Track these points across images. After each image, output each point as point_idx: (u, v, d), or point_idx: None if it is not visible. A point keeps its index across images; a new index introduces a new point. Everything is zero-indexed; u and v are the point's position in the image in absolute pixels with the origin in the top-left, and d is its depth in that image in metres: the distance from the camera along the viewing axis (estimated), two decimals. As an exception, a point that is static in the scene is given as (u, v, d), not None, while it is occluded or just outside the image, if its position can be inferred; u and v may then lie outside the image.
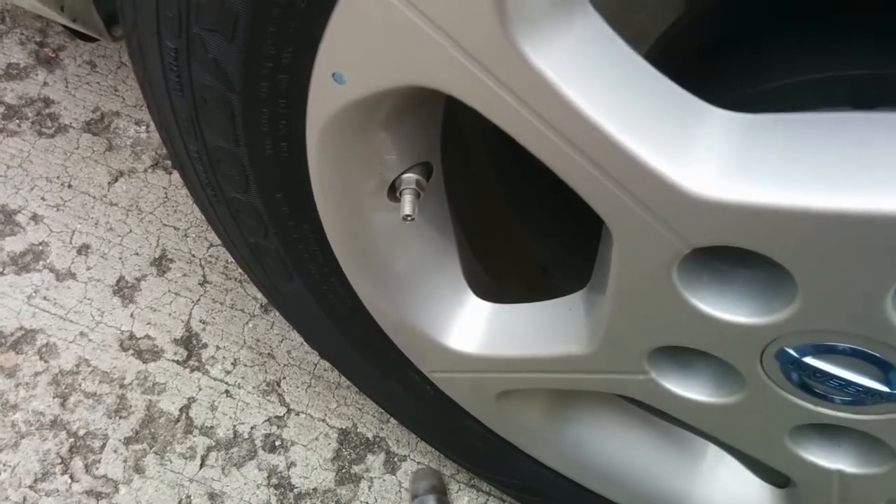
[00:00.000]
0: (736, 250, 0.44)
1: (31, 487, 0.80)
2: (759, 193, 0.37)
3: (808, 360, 0.44)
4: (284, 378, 0.91)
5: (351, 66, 0.42)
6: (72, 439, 0.84)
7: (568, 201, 0.70)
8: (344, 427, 0.89)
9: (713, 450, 0.68)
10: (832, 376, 0.45)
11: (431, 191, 0.56)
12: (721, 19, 0.49)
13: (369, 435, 0.89)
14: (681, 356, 0.53)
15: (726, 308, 0.45)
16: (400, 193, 0.53)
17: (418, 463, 0.88)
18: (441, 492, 0.47)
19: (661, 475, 0.69)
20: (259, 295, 0.96)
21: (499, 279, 0.69)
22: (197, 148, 0.55)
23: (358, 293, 0.62)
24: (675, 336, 0.48)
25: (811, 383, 0.46)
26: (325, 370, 0.92)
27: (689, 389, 0.53)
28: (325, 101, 0.45)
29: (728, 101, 0.39)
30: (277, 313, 0.95)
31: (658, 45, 0.49)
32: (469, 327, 0.62)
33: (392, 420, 0.90)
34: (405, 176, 0.53)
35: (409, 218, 0.50)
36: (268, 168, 0.53)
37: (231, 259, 0.97)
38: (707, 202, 0.38)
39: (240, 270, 0.97)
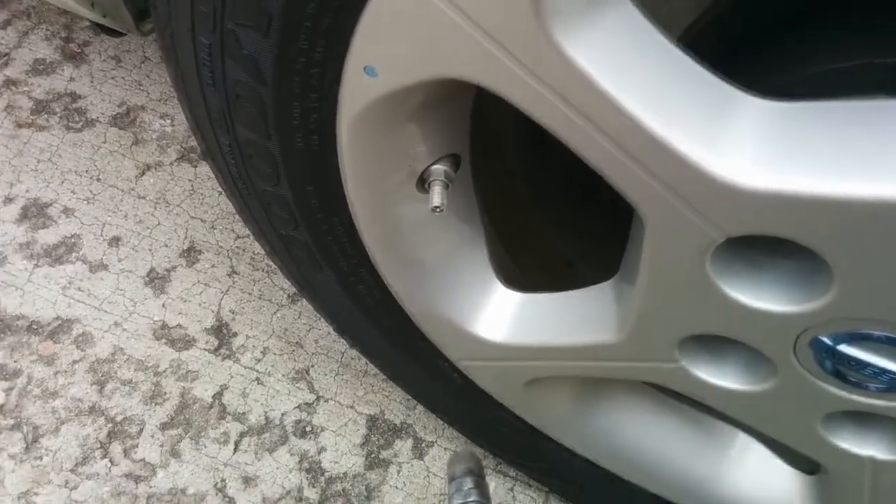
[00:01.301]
0: (770, 239, 0.44)
1: (72, 471, 0.82)
2: (795, 182, 0.37)
3: (843, 348, 0.44)
4: (313, 366, 0.92)
5: (383, 59, 0.42)
6: (110, 425, 0.86)
7: (593, 194, 0.70)
8: (372, 413, 0.90)
9: (741, 437, 0.68)
10: (867, 364, 0.44)
11: (460, 182, 0.56)
12: (756, 5, 0.48)
13: (397, 421, 0.90)
14: (711, 344, 0.53)
15: (760, 297, 0.45)
16: (429, 185, 0.53)
17: (445, 448, 0.90)
18: (479, 475, 0.47)
19: (688, 461, 0.69)
20: (286, 285, 0.97)
21: (525, 269, 0.69)
22: (229, 142, 0.56)
23: (387, 283, 0.63)
24: (707, 325, 0.48)
25: (845, 371, 0.46)
26: (352, 358, 0.94)
27: (720, 377, 0.53)
28: (356, 94, 0.46)
29: (765, 89, 0.39)
30: (305, 303, 0.96)
31: (692, 31, 0.48)
32: (497, 316, 0.62)
33: (419, 407, 0.91)
34: (434, 167, 0.53)
35: (437, 209, 0.51)
36: (299, 161, 0.53)
37: (258, 250, 0.99)
38: (742, 191, 0.38)
39: (267, 261, 0.98)
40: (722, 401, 0.55)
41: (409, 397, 0.90)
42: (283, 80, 0.47)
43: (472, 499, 0.45)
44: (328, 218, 0.58)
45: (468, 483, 0.46)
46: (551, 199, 0.68)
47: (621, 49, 0.38)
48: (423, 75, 0.42)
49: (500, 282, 0.62)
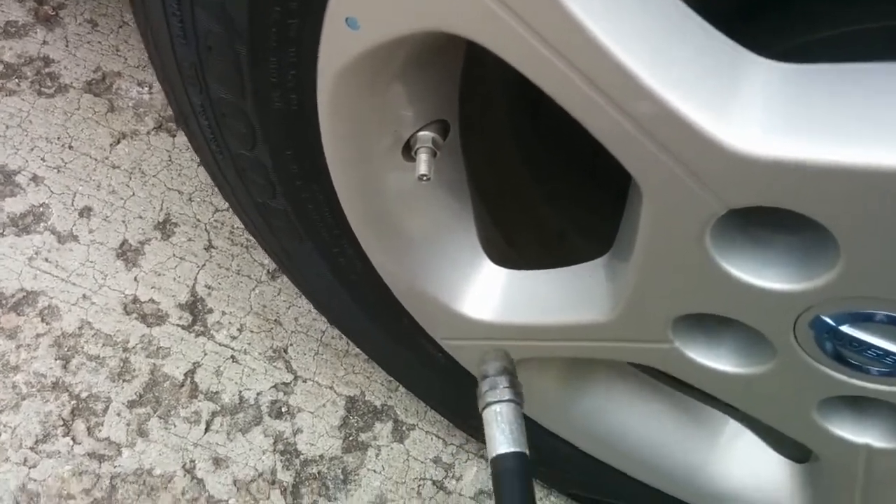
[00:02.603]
0: (773, 212, 0.42)
1: (32, 449, 0.79)
2: (805, 149, 0.35)
3: (846, 328, 0.42)
4: (291, 345, 0.89)
5: (366, 9, 0.39)
6: (74, 401, 0.82)
7: (589, 164, 0.67)
8: (352, 395, 0.88)
9: (731, 424, 0.67)
10: (870, 346, 0.42)
11: (447, 150, 0.54)
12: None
13: (377, 403, 0.88)
14: (707, 325, 0.51)
15: (761, 274, 0.43)
16: (415, 152, 0.51)
17: (427, 432, 0.87)
18: (512, 374, 0.44)
19: (677, 448, 0.68)
20: (266, 261, 0.94)
21: (515, 243, 0.67)
22: (201, 101, 0.52)
23: (369, 257, 0.60)
24: (704, 303, 0.46)
25: (846, 353, 0.44)
26: (332, 338, 0.91)
27: (714, 359, 0.51)
28: (337, 49, 0.43)
29: (775, 52, 0.36)
30: (285, 280, 0.93)
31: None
32: (484, 294, 0.60)
33: (400, 388, 0.88)
34: (421, 133, 0.51)
35: (424, 178, 0.48)
36: (276, 123, 0.50)
37: (237, 224, 0.95)
38: (749, 159, 0.36)
39: (246, 236, 0.95)
40: (715, 384, 0.53)
41: (391, 379, 0.88)
42: (258, 31, 0.44)
43: (507, 397, 0.42)
44: (308, 185, 0.55)
45: (503, 382, 0.43)
46: (543, 170, 0.66)
47: (623, 2, 0.35)
48: (408, 28, 0.39)
49: (488, 258, 0.60)
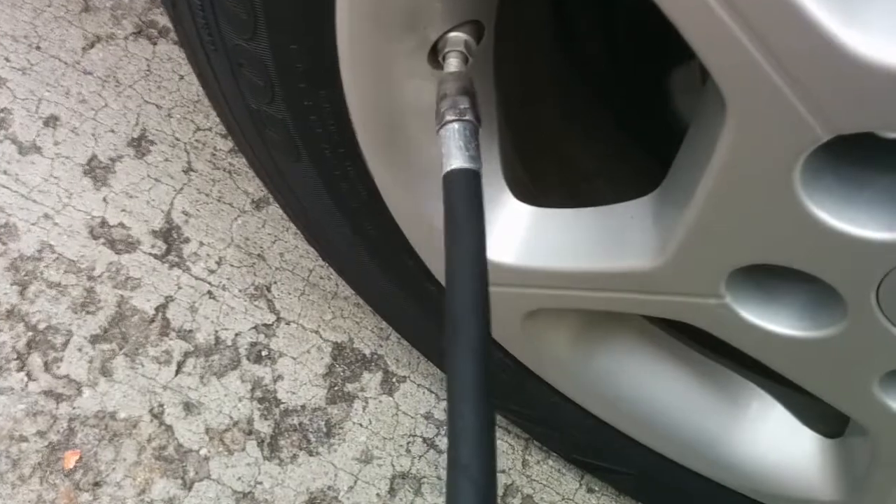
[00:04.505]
0: (871, 149, 0.35)
1: (-19, 382, 0.71)
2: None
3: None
4: (275, 283, 0.82)
5: None
6: (30, 333, 0.74)
7: (631, 102, 0.60)
8: (339, 341, 0.81)
9: (760, 394, 0.61)
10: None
11: (479, 59, 0.46)
12: None
13: (366, 351, 0.81)
14: (765, 279, 0.45)
15: (853, 219, 0.36)
16: (444, 57, 0.43)
17: (418, 385, 0.81)
18: (473, 95, 0.39)
19: (698, 416, 0.62)
20: (251, 189, 0.85)
21: (536, 180, 0.60)
22: (193, -25, 0.44)
23: (376, 181, 0.52)
24: (776, 252, 0.40)
25: (938, 320, 0.38)
26: (321, 278, 0.83)
27: (770, 319, 0.46)
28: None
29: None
30: (270, 211, 0.85)
31: None
32: (505, 233, 0.53)
33: (392, 337, 0.82)
34: (452, 35, 0.43)
35: (452, 87, 0.41)
36: (284, 6, 0.42)
37: (220, 146, 0.86)
38: (878, 71, 0.29)
39: (230, 160, 0.86)
40: (764, 347, 0.47)
41: (382, 325, 0.81)
42: None
43: (467, 118, 0.38)
44: (314, 90, 0.47)
45: (463, 101, 0.39)
46: (580, 103, 0.58)
47: None
48: None
49: (511, 193, 0.53)
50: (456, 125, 0.39)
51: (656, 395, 0.63)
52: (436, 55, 0.44)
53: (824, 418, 0.60)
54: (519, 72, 0.55)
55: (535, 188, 0.58)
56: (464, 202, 0.36)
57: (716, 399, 0.62)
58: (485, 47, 0.47)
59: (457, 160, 0.38)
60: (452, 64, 0.43)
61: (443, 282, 0.59)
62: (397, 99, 0.46)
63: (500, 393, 0.71)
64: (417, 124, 0.48)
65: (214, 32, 0.47)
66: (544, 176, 0.59)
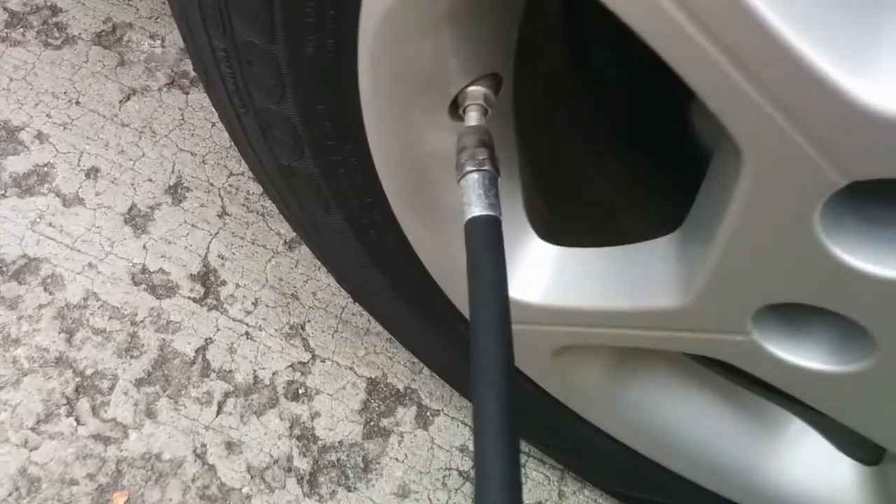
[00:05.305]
0: (892, 190, 0.36)
1: (33, 429, 0.74)
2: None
3: (975, 326, 0.36)
4: (309, 321, 0.84)
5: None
6: (78, 378, 0.77)
7: (652, 138, 0.61)
8: (373, 377, 0.82)
9: (795, 422, 0.61)
10: None
11: (498, 111, 0.47)
12: None
13: (400, 386, 0.82)
14: (791, 315, 0.45)
15: (875, 259, 0.37)
16: (464, 110, 0.45)
17: (452, 418, 0.82)
18: (491, 148, 0.41)
19: (733, 446, 0.62)
20: (283, 230, 0.88)
21: (561, 219, 0.60)
22: (224, 45, 0.46)
23: (404, 229, 0.54)
24: (801, 292, 0.40)
25: (969, 355, 0.38)
26: (353, 314, 0.85)
27: (797, 354, 0.46)
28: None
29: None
30: (302, 251, 0.87)
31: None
32: (531, 273, 0.54)
33: (424, 370, 0.83)
34: (471, 89, 0.45)
35: (474, 139, 0.42)
36: (309, 72, 0.44)
37: (253, 189, 0.89)
38: (886, 118, 0.29)
39: (262, 202, 0.89)
40: (793, 382, 0.47)
41: (414, 360, 0.82)
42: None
43: (486, 168, 0.40)
44: (340, 146, 0.49)
45: (482, 153, 0.40)
46: (601, 141, 0.59)
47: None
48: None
49: (536, 233, 0.54)
50: (475, 175, 0.40)
51: (690, 425, 0.63)
52: (456, 108, 0.45)
53: (861, 445, 0.59)
54: (540, 114, 0.56)
55: (559, 228, 0.59)
56: (485, 248, 0.38)
57: (750, 427, 0.62)
58: (504, 96, 0.48)
59: (477, 208, 0.39)
60: (472, 118, 0.44)
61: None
62: (419, 150, 0.48)
63: (532, 425, 0.72)
64: (439, 173, 0.49)
65: (245, 97, 0.49)
66: (568, 215, 0.60)
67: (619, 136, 0.61)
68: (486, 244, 0.37)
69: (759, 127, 0.33)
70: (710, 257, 0.42)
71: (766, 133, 0.33)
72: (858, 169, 0.32)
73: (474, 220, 0.38)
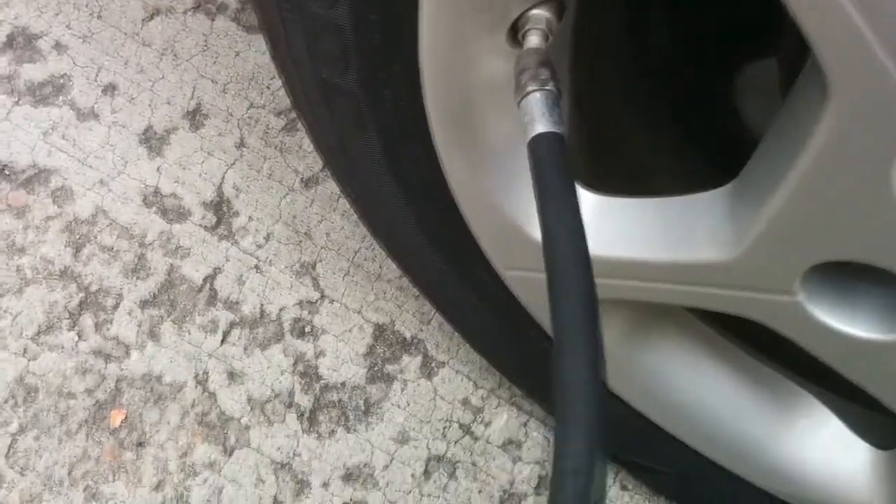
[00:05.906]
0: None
1: (32, 339, 0.72)
2: None
3: None
4: (321, 261, 0.82)
5: None
6: (82, 293, 0.75)
7: (694, 99, 0.59)
8: (381, 322, 0.81)
9: (813, 402, 0.60)
10: None
11: (557, 39, 0.45)
12: None
13: (407, 334, 0.81)
14: (842, 277, 0.43)
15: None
16: (523, 35, 0.43)
17: (457, 371, 0.80)
18: (553, 68, 0.40)
19: (747, 421, 0.61)
20: (301, 167, 0.85)
21: (598, 169, 0.59)
22: (280, -62, 0.43)
23: (441, 160, 0.52)
24: (866, 249, 0.39)
25: None
26: (365, 259, 0.83)
27: (844, 320, 0.44)
28: None
29: None
30: (319, 190, 0.85)
31: None
32: (568, 218, 0.52)
33: (433, 322, 0.81)
34: (533, 12, 0.42)
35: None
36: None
37: (273, 125, 0.87)
38: None
39: (281, 137, 0.86)
40: (833, 349, 0.46)
41: (423, 310, 0.81)
42: None
43: (549, 87, 0.38)
44: (388, 64, 0.47)
45: (544, 72, 0.38)
46: (655, 90, 0.57)
47: None
48: None
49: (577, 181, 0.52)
50: (538, 94, 0.38)
51: (706, 395, 0.61)
52: (515, 33, 0.43)
53: (877, 429, 0.59)
54: (591, 59, 0.54)
55: (602, 175, 0.57)
56: (553, 164, 0.36)
57: (767, 405, 0.61)
58: (564, 27, 0.46)
59: (541, 125, 0.37)
60: (533, 41, 0.42)
61: (496, 267, 0.58)
62: (472, 75, 0.46)
63: (542, 385, 0.71)
64: (488, 101, 0.47)
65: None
66: (607, 166, 0.58)
67: (665, 94, 0.59)
68: (554, 160, 0.35)
69: (856, 59, 0.31)
70: (769, 208, 0.40)
71: (863, 66, 0.31)
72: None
73: (539, 137, 0.36)
